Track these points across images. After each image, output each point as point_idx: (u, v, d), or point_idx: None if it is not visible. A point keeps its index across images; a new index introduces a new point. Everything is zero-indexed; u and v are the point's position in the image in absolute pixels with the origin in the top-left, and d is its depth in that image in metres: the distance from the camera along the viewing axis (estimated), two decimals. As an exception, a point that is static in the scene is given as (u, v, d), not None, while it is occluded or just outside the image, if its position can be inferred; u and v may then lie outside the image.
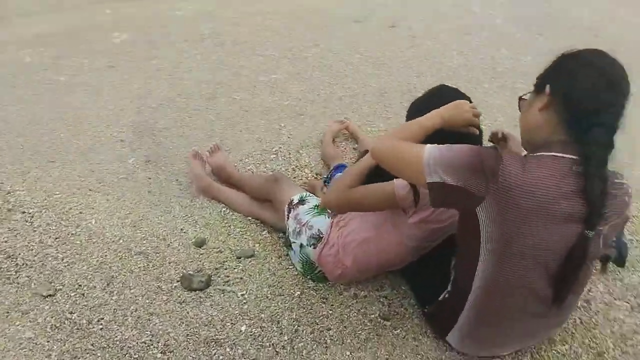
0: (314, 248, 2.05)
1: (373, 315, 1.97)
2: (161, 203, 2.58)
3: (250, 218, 2.48)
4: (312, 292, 2.08)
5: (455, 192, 1.42)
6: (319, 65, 4.05)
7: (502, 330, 1.63)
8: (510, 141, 1.92)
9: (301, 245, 2.10)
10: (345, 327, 1.93)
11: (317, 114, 3.40)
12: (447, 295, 1.75)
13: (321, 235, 2.04)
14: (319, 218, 2.10)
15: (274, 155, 2.96)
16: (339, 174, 2.56)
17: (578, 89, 1.40)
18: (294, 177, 2.80)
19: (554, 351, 1.79)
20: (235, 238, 2.36)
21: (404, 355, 1.81)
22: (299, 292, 2.07)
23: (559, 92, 1.43)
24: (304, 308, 2.00)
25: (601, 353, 1.79)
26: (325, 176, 2.75)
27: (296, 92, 3.67)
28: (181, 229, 2.39)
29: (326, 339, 1.88)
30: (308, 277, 2.13)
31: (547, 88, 1.46)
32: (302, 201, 2.19)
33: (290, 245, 2.18)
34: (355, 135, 3.12)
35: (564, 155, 1.39)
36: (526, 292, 1.51)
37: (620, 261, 2.08)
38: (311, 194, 2.25)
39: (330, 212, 2.13)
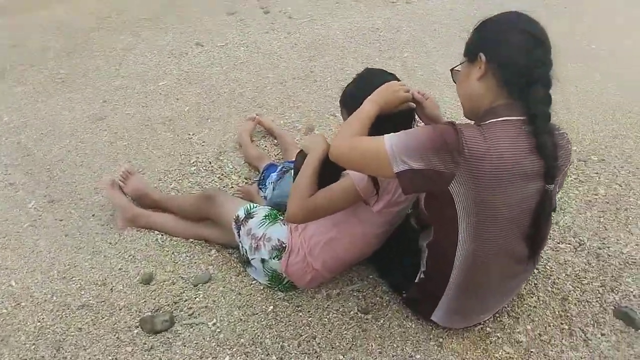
0: (279, 259, 1.97)
1: (352, 312, 1.97)
2: (85, 245, 2.31)
3: (192, 240, 2.32)
4: (284, 303, 2.01)
5: (424, 176, 1.45)
6: (208, 63, 3.87)
7: (486, 298, 1.72)
8: (426, 101, 1.89)
9: (263, 260, 2.01)
10: (329, 330, 1.90)
11: (223, 115, 3.26)
12: (422, 276, 1.80)
13: (283, 245, 1.97)
14: (274, 228, 2.02)
15: (194, 167, 2.79)
16: (274, 174, 2.49)
17: (511, 52, 1.48)
18: (223, 186, 2.66)
19: (525, 305, 1.94)
20: (184, 265, 2.19)
21: (395, 345, 1.83)
22: (271, 307, 1.99)
23: (494, 58, 1.50)
24: (282, 322, 1.93)
25: (565, 297, 1.97)
26: (256, 179, 2.66)
27: (192, 95, 3.48)
28: (120, 268, 2.16)
29: (315, 347, 1.84)
30: (276, 289, 2.06)
31: (482, 56, 1.51)
32: (249, 215, 2.08)
33: (249, 262, 2.08)
34: (271, 131, 3.04)
35: (512, 117, 1.47)
36: (506, 256, 1.59)
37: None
38: (254, 204, 2.15)
39: (282, 218, 2.07)
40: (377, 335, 1.87)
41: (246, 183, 2.68)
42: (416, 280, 1.83)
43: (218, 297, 2.03)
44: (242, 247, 2.10)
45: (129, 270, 2.15)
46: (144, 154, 2.90)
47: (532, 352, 1.78)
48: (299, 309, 1.99)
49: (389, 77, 1.84)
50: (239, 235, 2.09)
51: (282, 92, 3.51)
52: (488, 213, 1.49)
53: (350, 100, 1.80)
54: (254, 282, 2.10)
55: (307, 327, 1.91)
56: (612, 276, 2.07)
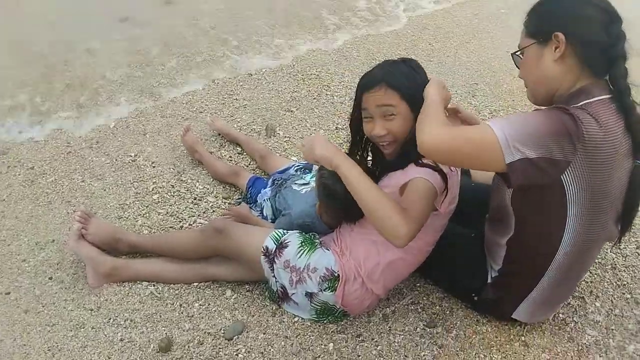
0: (332, 291, 1.69)
1: (419, 329, 1.77)
2: (58, 319, 1.78)
3: (197, 284, 1.92)
4: (342, 336, 1.74)
5: (538, 166, 1.30)
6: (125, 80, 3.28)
7: (577, 282, 1.66)
8: (462, 112, 1.79)
9: (309, 294, 1.72)
10: (405, 356, 1.69)
11: (161, 127, 2.78)
12: (497, 275, 1.68)
13: (335, 274, 1.69)
14: (316, 255, 1.73)
15: (156, 195, 2.32)
16: (267, 189, 2.17)
17: (592, 29, 1.39)
18: (202, 212, 2.25)
19: (582, 282, 1.93)
20: (202, 317, 1.79)
21: (480, 355, 1.69)
22: (331, 344, 1.71)
23: (574, 36, 1.39)
24: (350, 359, 1.68)
25: (613, 265, 2.01)
26: (239, 198, 2.29)
27: (121, 113, 2.91)
28: (121, 339, 1.70)
29: (399, 378, 1.62)
30: (325, 321, 1.78)
31: (561, 36, 1.39)
32: (281, 245, 1.76)
33: (286, 298, 1.77)
34: (232, 137, 2.66)
35: (603, 96, 1.39)
36: (605, 239, 1.54)
37: None
38: (282, 230, 1.83)
39: (321, 242, 1.79)
40: (457, 349, 1.71)
41: (230, 204, 2.30)
42: (489, 281, 1.70)
43: (265, 347, 1.69)
44: (276, 282, 1.77)
45: (135, 339, 1.70)
46: (82, 189, 2.35)
47: (612, 329, 1.76)
48: (361, 338, 1.74)
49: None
50: (272, 270, 1.76)
51: (221, 92, 3.11)
52: (598, 199, 1.39)
53: (418, 91, 1.56)
54: (295, 319, 1.80)
55: (381, 357, 1.68)
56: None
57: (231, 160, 2.56)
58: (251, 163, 2.54)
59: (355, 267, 1.69)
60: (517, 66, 1.56)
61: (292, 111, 2.95)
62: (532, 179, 1.34)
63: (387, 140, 1.61)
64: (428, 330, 1.77)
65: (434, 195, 1.52)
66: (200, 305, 1.84)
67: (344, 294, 1.69)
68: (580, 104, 1.38)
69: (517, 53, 1.54)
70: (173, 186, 2.37)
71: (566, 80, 1.43)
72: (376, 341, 1.74)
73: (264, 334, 1.74)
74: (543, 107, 1.47)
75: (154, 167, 2.49)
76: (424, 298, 1.89)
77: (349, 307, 1.73)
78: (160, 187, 2.36)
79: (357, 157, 1.79)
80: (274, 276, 1.77)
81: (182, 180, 2.41)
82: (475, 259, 1.75)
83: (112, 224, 2.11)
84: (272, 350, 1.69)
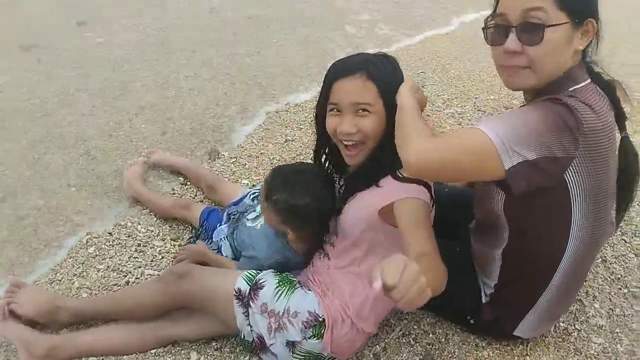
0: (319, 339, 1.47)
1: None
2: None
3: (153, 351, 1.63)
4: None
5: (539, 167, 1.14)
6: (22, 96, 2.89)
7: (579, 288, 1.54)
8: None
9: (292, 344, 1.49)
10: (407, 399, 1.51)
11: (70, 163, 2.44)
12: (493, 291, 1.52)
13: (320, 318, 1.47)
14: (296, 297, 1.50)
15: (92, 248, 2.00)
16: (223, 226, 1.91)
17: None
18: (150, 261, 1.95)
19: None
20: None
21: (487, 383, 1.54)
22: (323, 400, 1.50)
23: (598, 23, 1.23)
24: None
25: (603, 258, 1.91)
26: (190, 237, 2.02)
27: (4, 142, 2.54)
28: None
29: None
30: (311, 372, 1.56)
31: (595, 25, 1.22)
32: (256, 285, 1.52)
33: (265, 349, 1.54)
34: (174, 166, 2.37)
35: (587, 79, 1.27)
36: (607, 235, 1.42)
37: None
38: (254, 271, 1.59)
39: (299, 280, 1.57)
40: (462, 380, 1.55)
41: (179, 246, 2.01)
42: (484, 300, 1.55)
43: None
44: (251, 331, 1.53)
45: None
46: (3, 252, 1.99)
47: (617, 332, 1.65)
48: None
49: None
50: (246, 316, 1.52)
51: (139, 114, 2.79)
52: (600, 191, 1.27)
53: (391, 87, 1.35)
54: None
55: (381, 407, 1.48)
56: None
57: (174, 194, 2.27)
58: (198, 193, 2.26)
59: (342, 307, 1.48)
60: (521, 38, 1.20)
61: (235, 131, 2.69)
62: (535, 183, 1.17)
63: (354, 141, 1.40)
64: (426, 366, 1.59)
65: (429, 213, 1.33)
66: (169, 378, 1.56)
67: (332, 339, 1.48)
68: (569, 90, 1.23)
69: (541, 23, 1.17)
70: (110, 234, 2.06)
71: (567, 65, 1.25)
72: (373, 387, 1.54)
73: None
74: (528, 98, 1.30)
75: (77, 213, 2.16)
76: (415, 327, 1.70)
77: (338, 352, 1.52)
78: (95, 238, 2.04)
79: (324, 156, 1.59)
80: (249, 324, 1.53)
81: (120, 225, 2.10)
82: (464, 277, 1.58)
83: (48, 290, 1.78)
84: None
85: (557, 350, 1.61)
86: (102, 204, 2.20)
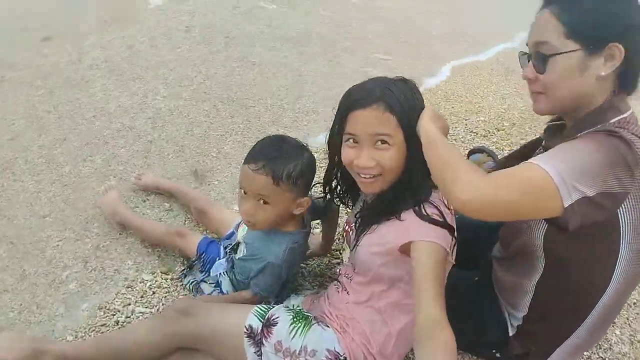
0: (341, 378, 1.36)
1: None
2: None
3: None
4: None
5: (598, 202, 1.08)
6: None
7: (612, 322, 1.48)
8: None
9: (311, 386, 1.37)
10: None
11: (60, 199, 2.25)
12: (521, 324, 1.45)
13: (341, 357, 1.35)
14: (313, 334, 1.38)
15: (73, 284, 1.81)
16: (222, 260, 1.77)
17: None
18: (140, 297, 1.78)
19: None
20: None
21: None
22: None
23: (629, 50, 1.16)
24: None
25: None
26: (183, 270, 1.85)
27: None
28: None
29: None
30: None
31: (621, 49, 1.15)
32: (269, 322, 1.40)
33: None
34: (164, 188, 2.22)
35: (629, 109, 1.22)
36: None
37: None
38: (265, 306, 1.46)
39: (314, 316, 1.45)
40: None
41: (171, 279, 1.85)
42: (511, 332, 1.47)
43: None
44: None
45: None
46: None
47: (640, 358, 1.60)
48: None
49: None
50: (259, 355, 1.39)
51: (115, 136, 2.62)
52: None
53: (415, 119, 1.26)
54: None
55: None
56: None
57: (161, 220, 2.11)
58: (187, 221, 2.11)
59: (364, 345, 1.37)
60: (534, 66, 1.24)
61: (215, 155, 2.55)
62: (590, 219, 1.10)
63: (373, 174, 1.30)
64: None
65: (445, 262, 1.23)
66: None
67: (357, 380, 1.36)
68: (613, 121, 1.18)
69: (551, 55, 1.20)
70: (94, 269, 1.88)
71: (601, 96, 1.22)
72: None
73: None
74: (576, 130, 1.22)
75: (54, 248, 1.96)
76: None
77: (360, 394, 1.40)
78: (74, 273, 1.85)
79: (336, 181, 1.51)
80: (265, 364, 1.39)
81: (103, 257, 1.92)
82: (487, 308, 1.51)
83: (27, 334, 1.59)
84: None
85: (585, 382, 1.55)
86: (80, 234, 2.01)
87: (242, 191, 1.50)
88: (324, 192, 1.57)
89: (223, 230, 1.94)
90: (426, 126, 1.24)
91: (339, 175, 1.51)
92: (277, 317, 1.40)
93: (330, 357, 1.35)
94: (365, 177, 1.32)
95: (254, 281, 1.58)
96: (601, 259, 1.25)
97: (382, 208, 1.34)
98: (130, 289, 1.81)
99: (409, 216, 1.28)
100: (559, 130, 1.36)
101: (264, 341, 1.38)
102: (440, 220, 1.23)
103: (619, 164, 1.08)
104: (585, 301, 1.34)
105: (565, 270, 1.31)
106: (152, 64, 3.41)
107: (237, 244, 1.76)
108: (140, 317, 1.70)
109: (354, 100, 1.28)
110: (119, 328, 1.65)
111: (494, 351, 1.52)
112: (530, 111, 1.34)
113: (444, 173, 1.14)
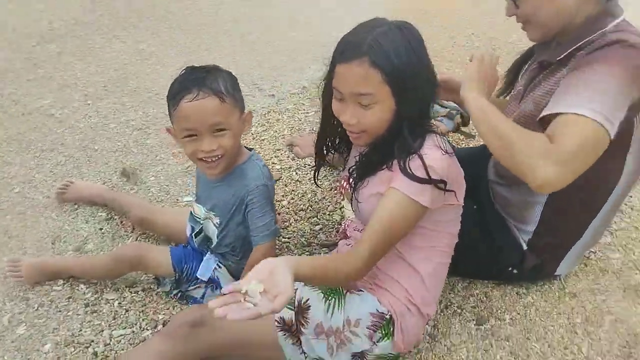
0: (390, 338, 1.25)
1: (474, 332, 1.46)
2: None
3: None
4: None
5: (627, 116, 1.15)
6: None
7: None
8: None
9: (361, 355, 1.25)
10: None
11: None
12: (531, 238, 1.47)
13: (387, 315, 1.25)
14: (351, 304, 1.25)
15: (22, 328, 1.48)
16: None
17: None
18: (113, 319, 1.50)
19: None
20: None
21: (549, 325, 1.47)
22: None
23: None
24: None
25: None
26: (172, 284, 1.57)
27: None
28: None
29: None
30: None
31: None
32: (300, 308, 1.25)
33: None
34: (95, 198, 1.91)
35: (622, 14, 1.27)
36: None
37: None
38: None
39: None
40: (522, 330, 1.46)
41: (143, 290, 1.59)
42: (525, 247, 1.49)
43: None
44: (305, 359, 1.25)
45: None
46: None
47: (625, 245, 1.72)
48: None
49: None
50: (297, 346, 1.24)
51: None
52: None
53: (408, 73, 1.14)
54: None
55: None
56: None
57: (102, 232, 1.81)
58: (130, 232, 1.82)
59: (405, 298, 1.28)
60: (512, 2, 1.30)
61: (145, 143, 2.27)
62: (620, 128, 1.14)
63: (356, 132, 1.22)
64: (483, 328, 1.47)
65: (416, 214, 1.17)
66: None
67: (404, 334, 1.27)
68: (611, 27, 1.22)
69: None
70: (41, 305, 1.54)
71: (583, 11, 1.24)
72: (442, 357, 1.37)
73: None
74: (578, 38, 1.24)
75: (-13, 287, 1.59)
76: (452, 296, 1.58)
77: (408, 346, 1.31)
78: (19, 313, 1.51)
79: (329, 138, 1.39)
80: (303, 353, 1.24)
81: (41, 291, 1.59)
82: (496, 230, 1.52)
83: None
84: None
85: (587, 275, 1.63)
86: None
87: (189, 135, 1.30)
88: (317, 148, 1.43)
89: (173, 234, 1.71)
90: (468, 98, 1.22)
91: (334, 123, 1.37)
92: (308, 300, 1.26)
93: (375, 320, 1.24)
94: (351, 132, 1.23)
95: (256, 229, 1.40)
96: (611, 163, 1.28)
97: (373, 160, 1.25)
98: (96, 314, 1.52)
99: (396, 167, 1.20)
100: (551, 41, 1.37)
101: (302, 329, 1.23)
102: (422, 177, 1.14)
103: (637, 75, 1.12)
104: (594, 205, 1.39)
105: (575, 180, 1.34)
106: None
107: (201, 232, 1.55)
108: (122, 341, 1.43)
109: (340, 51, 1.16)
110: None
111: (510, 269, 1.53)
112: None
113: (503, 152, 1.15)
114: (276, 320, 1.24)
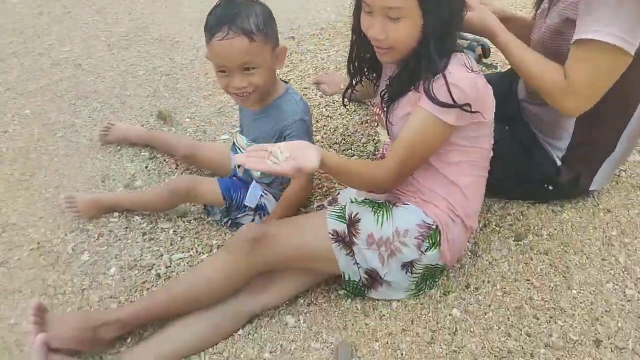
0: (437, 247, 1.33)
1: (513, 247, 1.54)
2: None
3: (240, 332, 1.35)
4: (455, 296, 1.42)
5: None
6: None
7: None
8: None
9: (410, 265, 1.33)
10: (528, 280, 1.45)
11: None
12: (565, 153, 1.53)
13: (433, 226, 1.32)
14: (399, 215, 1.32)
15: (85, 255, 1.57)
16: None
17: None
18: (170, 245, 1.59)
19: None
20: (291, 366, 1.27)
21: (586, 239, 1.55)
22: (454, 310, 1.38)
23: None
24: (477, 315, 1.37)
25: None
26: (222, 211, 1.65)
27: None
28: None
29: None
30: (423, 291, 1.43)
31: None
32: (351, 220, 1.32)
33: (375, 282, 1.36)
34: (138, 139, 1.97)
35: None
36: None
37: None
38: (340, 206, 1.38)
39: (386, 201, 1.39)
40: (561, 244, 1.54)
41: (195, 220, 1.67)
42: (559, 163, 1.54)
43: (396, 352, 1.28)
44: (358, 269, 1.34)
45: None
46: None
47: None
48: (473, 287, 1.44)
49: None
50: (351, 256, 1.32)
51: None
52: None
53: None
54: (394, 305, 1.40)
55: (508, 296, 1.41)
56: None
57: (148, 170, 1.88)
58: (178, 166, 1.89)
59: (448, 209, 1.34)
60: None
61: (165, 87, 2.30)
62: None
63: (384, 47, 1.25)
64: (522, 243, 1.55)
65: (442, 132, 1.23)
66: (281, 349, 1.30)
67: (450, 244, 1.35)
68: None
69: None
70: (100, 235, 1.63)
71: None
72: (489, 281, 1.45)
73: (381, 343, 1.30)
74: None
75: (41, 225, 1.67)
76: (489, 215, 1.65)
77: (454, 256, 1.39)
78: (81, 242, 1.60)
79: (360, 59, 1.43)
80: (355, 263, 1.33)
81: (99, 223, 1.67)
82: (530, 148, 1.57)
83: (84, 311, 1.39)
84: (403, 348, 1.28)
85: (619, 192, 1.69)
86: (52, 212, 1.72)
87: (221, 71, 1.38)
88: (348, 68, 1.46)
89: (218, 168, 1.77)
90: (492, 29, 1.37)
91: (363, 46, 1.41)
92: (358, 213, 1.33)
93: (422, 230, 1.31)
94: (378, 48, 1.27)
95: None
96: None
97: (402, 80, 1.29)
98: (153, 241, 1.61)
99: (422, 92, 1.23)
100: None
101: (354, 240, 1.31)
102: (444, 102, 1.19)
103: None
104: (628, 103, 1.42)
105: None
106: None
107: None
108: (182, 264, 1.53)
109: None
110: (165, 281, 1.47)
111: (545, 185, 1.59)
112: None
113: (529, 83, 1.34)
114: (330, 233, 1.31)
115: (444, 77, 1.19)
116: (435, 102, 1.19)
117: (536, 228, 1.59)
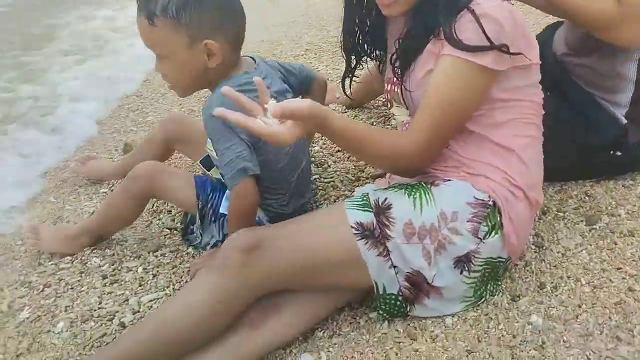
0: (499, 230, 0.97)
1: (586, 233, 1.19)
2: None
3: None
4: (523, 302, 1.03)
5: None
6: None
7: None
8: None
9: (465, 261, 0.96)
10: (603, 270, 1.08)
11: None
12: (628, 111, 1.25)
13: (487, 201, 0.97)
14: (442, 194, 0.97)
15: (25, 312, 1.17)
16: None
17: None
18: (139, 287, 1.20)
19: None
20: None
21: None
22: (523, 320, 0.99)
23: None
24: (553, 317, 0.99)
25: None
26: (187, 222, 1.31)
27: None
28: None
29: None
30: (484, 298, 1.04)
31: None
32: (379, 207, 0.97)
33: (421, 293, 0.98)
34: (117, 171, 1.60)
35: None
36: None
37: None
38: (362, 193, 1.03)
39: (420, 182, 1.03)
40: (633, 225, 1.19)
41: (171, 252, 1.29)
42: (625, 121, 1.25)
43: None
44: (396, 275, 0.96)
45: None
46: None
47: None
48: (548, 289, 1.06)
49: None
50: (385, 256, 0.94)
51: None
52: None
53: None
54: (448, 320, 1.01)
55: (593, 288, 1.03)
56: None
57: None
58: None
59: (503, 179, 1.00)
60: None
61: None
62: None
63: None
64: (597, 227, 1.21)
65: (479, 80, 0.95)
66: None
67: (514, 225, 0.99)
68: None
69: None
70: (46, 285, 1.24)
71: None
72: (570, 276, 1.08)
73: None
74: None
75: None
76: (545, 203, 1.29)
77: (518, 244, 1.02)
78: (20, 297, 1.21)
79: (357, 28, 1.17)
80: (392, 266, 0.95)
81: (46, 270, 1.29)
82: (585, 112, 1.28)
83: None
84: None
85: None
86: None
87: None
88: (346, 45, 1.19)
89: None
90: None
91: (359, 13, 1.15)
92: (387, 198, 0.98)
93: (475, 210, 0.97)
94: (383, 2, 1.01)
95: (223, 174, 1.13)
96: None
97: (418, 29, 1.01)
98: (117, 284, 1.23)
99: (445, 44, 0.96)
100: None
101: (388, 233, 0.94)
102: (475, 45, 0.91)
103: None
104: None
105: None
106: None
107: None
108: (155, 306, 1.14)
109: None
110: (132, 326, 1.08)
111: (612, 152, 1.27)
112: None
113: (577, 15, 1.12)
114: (352, 227, 0.95)
115: (470, 10, 0.91)
116: (461, 47, 0.90)
117: (610, 207, 1.25)
